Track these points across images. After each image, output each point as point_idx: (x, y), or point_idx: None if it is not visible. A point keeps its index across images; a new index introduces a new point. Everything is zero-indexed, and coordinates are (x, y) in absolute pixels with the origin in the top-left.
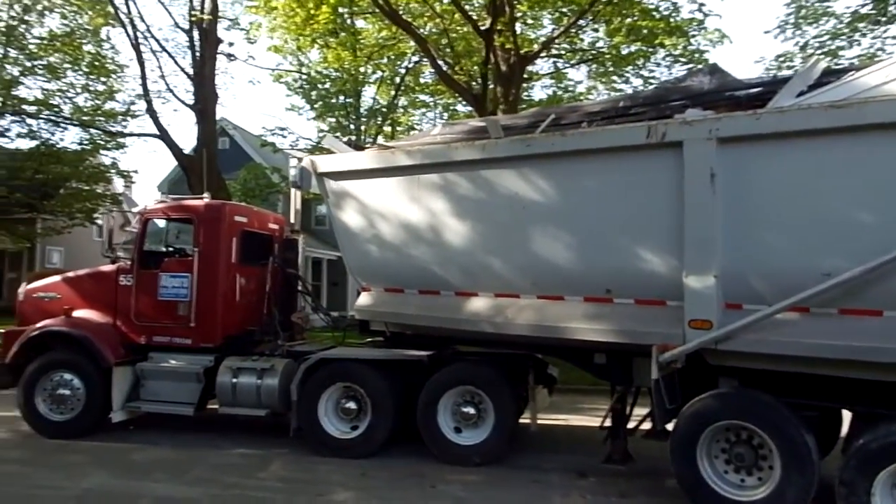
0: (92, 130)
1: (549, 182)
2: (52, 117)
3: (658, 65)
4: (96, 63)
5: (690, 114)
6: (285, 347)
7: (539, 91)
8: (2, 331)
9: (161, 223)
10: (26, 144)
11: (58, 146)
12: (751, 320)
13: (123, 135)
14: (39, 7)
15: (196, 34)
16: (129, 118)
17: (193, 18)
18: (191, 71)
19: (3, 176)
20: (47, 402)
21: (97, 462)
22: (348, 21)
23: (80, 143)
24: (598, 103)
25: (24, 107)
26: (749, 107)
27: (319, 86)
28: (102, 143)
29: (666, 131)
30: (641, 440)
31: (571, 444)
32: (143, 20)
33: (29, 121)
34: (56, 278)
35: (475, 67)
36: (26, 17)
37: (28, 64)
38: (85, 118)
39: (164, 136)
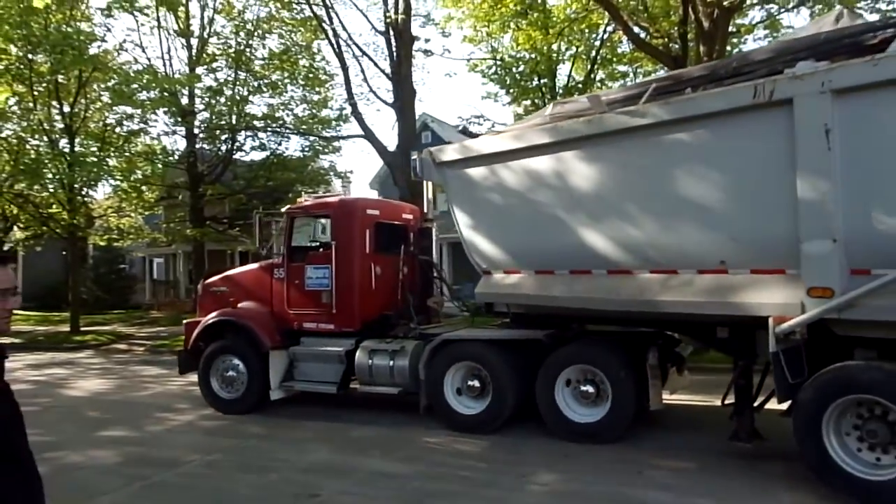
0: (311, 137)
1: (655, 153)
2: (277, 129)
3: None
4: (310, 75)
5: (801, 67)
6: (418, 330)
7: (752, 45)
8: (186, 321)
9: (305, 220)
10: (258, 156)
11: (283, 155)
12: (874, 286)
13: (337, 139)
14: (260, 31)
15: (392, 35)
16: (342, 123)
17: (388, 20)
18: (389, 71)
19: (242, 185)
20: (219, 382)
21: (322, 439)
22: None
23: (301, 150)
24: (705, 67)
25: (255, 122)
26: (872, 52)
27: (513, 69)
28: (320, 148)
29: (774, 88)
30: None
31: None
32: (344, 28)
33: (259, 134)
34: (226, 274)
35: (673, 29)
36: (250, 42)
37: (255, 83)
38: (304, 127)
39: (369, 136)
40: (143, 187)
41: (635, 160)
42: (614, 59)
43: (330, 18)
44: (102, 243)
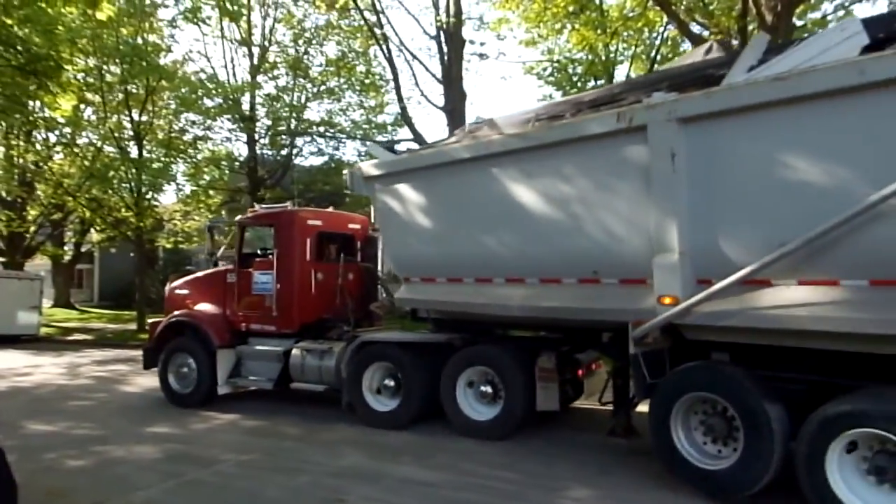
0: (367, 143)
1: (541, 173)
2: (335, 134)
3: None
4: (366, 81)
5: (655, 97)
6: (351, 333)
7: None
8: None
9: (253, 229)
10: (317, 161)
11: (340, 159)
12: (704, 295)
13: (393, 142)
14: (318, 39)
15: (443, 38)
16: (397, 128)
17: (439, 24)
18: (440, 75)
19: (301, 189)
20: (175, 377)
21: (357, 442)
22: None
23: (358, 155)
24: (594, 91)
25: (313, 127)
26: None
27: (568, 70)
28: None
29: (633, 116)
30: None
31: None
32: (395, 33)
33: (317, 139)
34: (188, 277)
35: (733, 25)
36: (308, 49)
37: (313, 90)
38: (360, 132)
39: (419, 140)
40: (210, 191)
41: (524, 179)
42: (675, 58)
43: (381, 24)
44: (169, 246)
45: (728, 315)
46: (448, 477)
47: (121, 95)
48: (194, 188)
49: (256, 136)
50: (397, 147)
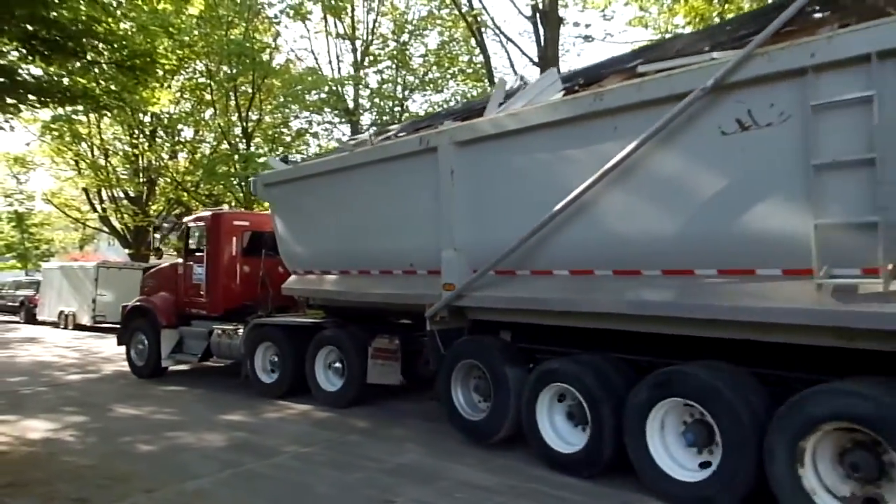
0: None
1: (375, 181)
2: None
3: None
4: (469, 70)
5: (445, 124)
6: (254, 317)
7: None
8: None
9: (194, 228)
10: None
11: None
12: (467, 283)
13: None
14: (419, 30)
15: (538, 19)
16: None
17: (534, 3)
18: (536, 58)
19: None
20: (135, 352)
21: (420, 440)
22: None
23: None
24: (425, 118)
25: (416, 119)
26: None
27: None
28: None
29: (429, 139)
30: None
31: None
32: (488, 14)
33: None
34: (156, 268)
35: None
36: (410, 41)
37: (415, 80)
38: None
39: None
40: None
41: (362, 189)
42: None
43: (471, 5)
44: None
45: (487, 299)
46: (510, 482)
47: (231, 95)
48: None
49: (360, 129)
50: (291, 159)
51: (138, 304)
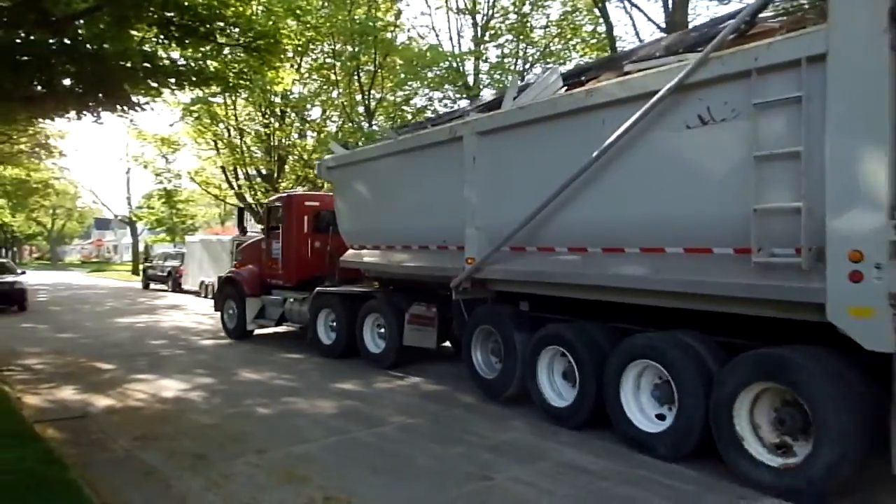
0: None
1: (412, 168)
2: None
3: None
4: (593, 41)
5: (470, 115)
6: (327, 286)
7: None
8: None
9: (273, 209)
10: None
11: None
12: (484, 257)
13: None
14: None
15: None
16: None
17: None
18: (663, 23)
19: None
20: (227, 316)
21: (527, 417)
22: None
23: None
24: (449, 112)
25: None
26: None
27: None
28: None
29: (456, 129)
30: None
31: None
32: None
33: None
34: (246, 243)
35: None
36: (532, 12)
37: (535, 53)
38: None
39: None
40: None
41: (404, 173)
42: None
43: None
44: None
45: (501, 272)
46: (616, 467)
47: (354, 74)
48: None
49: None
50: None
51: (229, 275)
